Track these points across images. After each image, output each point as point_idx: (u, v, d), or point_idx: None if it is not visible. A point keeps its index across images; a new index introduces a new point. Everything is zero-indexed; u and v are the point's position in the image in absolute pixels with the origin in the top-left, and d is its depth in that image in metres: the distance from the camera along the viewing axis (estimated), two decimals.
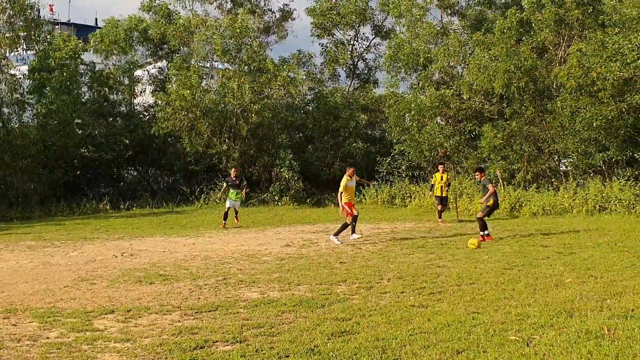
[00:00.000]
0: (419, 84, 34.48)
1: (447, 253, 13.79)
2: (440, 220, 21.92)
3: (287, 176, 31.36)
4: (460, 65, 34.20)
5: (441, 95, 31.04)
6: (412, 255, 13.63)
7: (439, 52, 32.80)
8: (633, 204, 21.80)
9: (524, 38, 28.89)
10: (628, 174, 23.88)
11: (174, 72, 33.28)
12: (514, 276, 10.53)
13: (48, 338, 7.38)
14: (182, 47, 36.32)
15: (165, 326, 7.80)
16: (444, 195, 22.59)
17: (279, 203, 31.12)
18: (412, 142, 31.55)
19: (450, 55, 32.75)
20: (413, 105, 31.69)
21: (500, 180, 26.43)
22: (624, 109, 23.81)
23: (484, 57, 28.72)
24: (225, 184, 22.55)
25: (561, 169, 28.63)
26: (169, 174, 35.69)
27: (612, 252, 13.28)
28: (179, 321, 8.08)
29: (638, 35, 23.34)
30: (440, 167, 23.09)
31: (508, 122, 28.88)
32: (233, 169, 22.97)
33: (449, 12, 36.05)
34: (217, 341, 7.04)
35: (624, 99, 23.81)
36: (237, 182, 22.04)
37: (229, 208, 22.05)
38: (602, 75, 23.65)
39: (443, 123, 32.64)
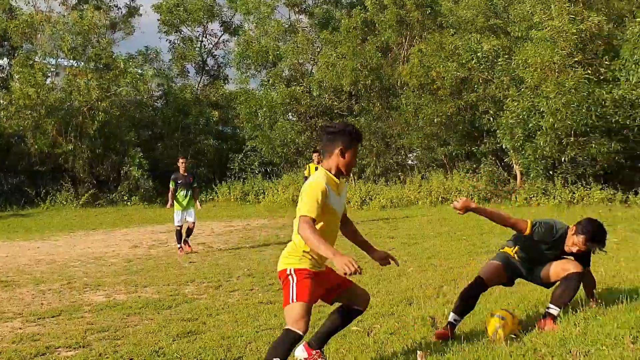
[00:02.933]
0: (269, 80, 34.83)
1: None
2: None
3: (136, 175, 30.82)
4: (310, 62, 34.80)
5: (291, 91, 31.51)
6: (264, 252, 13.82)
7: (288, 49, 33.25)
8: (471, 195, 23.03)
9: (369, 37, 29.80)
10: (467, 167, 25.29)
11: (18, 69, 31.90)
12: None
13: None
14: (25, 44, 34.80)
15: (6, 334, 7.55)
16: None
17: (128, 203, 30.52)
18: (264, 139, 31.85)
19: (299, 52, 33.28)
20: (264, 102, 32.00)
21: (351, 175, 27.15)
22: (461, 106, 25.10)
23: (332, 55, 29.40)
24: (172, 184, 14.87)
25: (407, 163, 29.79)
26: (13, 175, 34.12)
27: (452, 240, 14.02)
28: (20, 328, 7.83)
29: (472, 36, 24.66)
30: (315, 156, 17.88)
31: (357, 118, 29.71)
32: (181, 159, 15.33)
33: (297, 10, 36.55)
34: (59, 347, 6.87)
35: (461, 97, 25.11)
36: (190, 178, 15.09)
37: (179, 226, 14.75)
38: (441, 74, 24.84)
39: (295, 119, 33.13)
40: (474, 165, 25.55)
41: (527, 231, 6.26)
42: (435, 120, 25.18)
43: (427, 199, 23.72)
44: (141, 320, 7.99)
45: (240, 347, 6.46)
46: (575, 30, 20.99)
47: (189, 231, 14.85)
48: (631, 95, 19.66)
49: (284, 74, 34.83)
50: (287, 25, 35.78)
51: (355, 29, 29.84)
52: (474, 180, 23.95)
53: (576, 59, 21.33)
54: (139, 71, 34.29)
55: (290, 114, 33.23)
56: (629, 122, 20.87)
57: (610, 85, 20.84)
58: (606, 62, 21.41)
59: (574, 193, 20.60)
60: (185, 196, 14.73)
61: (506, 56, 23.66)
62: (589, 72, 21.15)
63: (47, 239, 18.64)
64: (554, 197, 20.69)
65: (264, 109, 32.04)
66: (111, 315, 8.33)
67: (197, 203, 15.12)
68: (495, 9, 25.98)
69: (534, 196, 21.34)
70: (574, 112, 20.44)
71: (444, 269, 10.26)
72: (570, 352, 5.14)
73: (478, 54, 24.13)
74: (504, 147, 23.21)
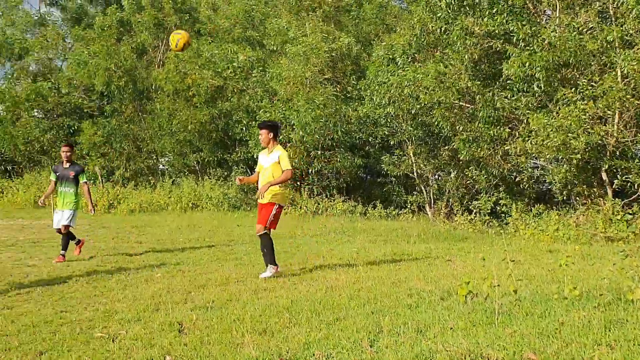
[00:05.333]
0: (13, 74, 32.88)
1: (39, 252, 13.38)
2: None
3: None
4: (60, 58, 33.37)
5: (38, 87, 29.97)
6: (0, 255, 12.99)
7: (36, 43, 31.65)
8: (221, 202, 23.32)
9: (124, 38, 29.18)
10: (218, 174, 25.53)
11: None
12: (107, 273, 10.61)
13: None
14: None
15: None
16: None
17: None
18: (6, 135, 29.95)
19: (48, 47, 31.78)
20: (7, 97, 30.13)
21: (99, 177, 26.39)
22: (215, 115, 25.33)
23: (84, 52, 28.41)
24: (53, 176, 12.50)
25: (159, 167, 29.50)
26: None
27: (201, 247, 14.08)
28: None
29: (229, 46, 25.04)
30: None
31: (108, 119, 28.93)
32: (66, 145, 12.59)
33: (48, 2, 34.97)
34: None
35: (215, 105, 25.34)
36: (72, 171, 12.40)
37: (57, 229, 12.46)
38: (197, 81, 24.92)
39: (40, 116, 31.55)
40: (225, 173, 25.89)
41: None
42: (189, 126, 25.18)
43: (177, 204, 23.58)
44: None
45: None
46: (327, 49, 22.04)
47: (69, 236, 12.47)
48: (374, 114, 21.00)
49: (30, 68, 33.06)
50: (36, 18, 34.01)
51: (110, 27, 29.07)
52: (225, 187, 24.25)
53: (326, 77, 22.41)
54: None
55: (35, 110, 31.56)
56: (371, 139, 22.28)
57: (356, 104, 22.12)
58: (353, 82, 22.69)
59: (319, 204, 21.54)
60: (70, 195, 12.36)
61: (261, 68, 24.29)
62: (338, 89, 22.32)
63: None
64: (301, 207, 21.48)
65: (7, 104, 30.15)
66: None
67: (86, 191, 12.49)
68: (253, 21, 26.60)
69: None
70: (322, 126, 21.42)
71: (192, 275, 10.25)
72: (314, 355, 5.38)
73: (234, 64, 24.54)
74: (254, 156, 23.73)
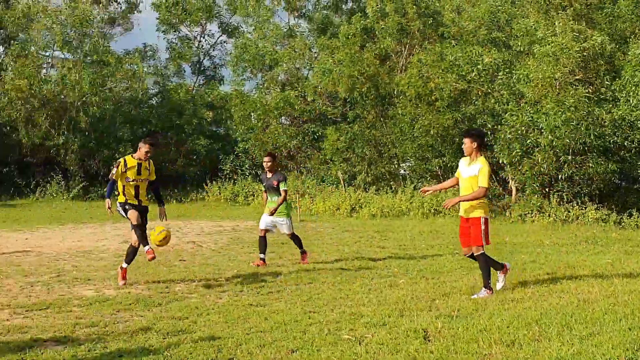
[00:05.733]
0: (264, 84, 34.82)
1: (287, 252, 13.94)
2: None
3: None
4: (306, 67, 34.79)
5: (286, 96, 31.45)
6: (252, 254, 13.66)
7: (285, 53, 33.24)
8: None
9: (367, 44, 29.73)
10: None
11: (10, 60, 31.74)
12: (351, 276, 10.81)
13: None
14: (20, 34, 34.57)
15: None
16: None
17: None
18: (257, 141, 31.73)
19: (295, 57, 33.26)
20: (258, 105, 31.95)
21: (342, 182, 27.12)
22: (459, 119, 24.98)
23: (329, 61, 29.35)
24: (262, 187, 13.25)
25: (400, 172, 29.68)
26: (3, 165, 33.87)
27: (444, 254, 13.92)
28: (7, 320, 7.69)
29: (473, 48, 24.58)
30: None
31: (351, 125, 29.63)
32: (267, 155, 12.97)
33: (296, 14, 36.57)
34: (47, 340, 6.77)
35: (458, 109, 24.99)
36: (275, 180, 12.41)
37: (265, 231, 12.51)
38: (440, 85, 24.73)
39: (288, 123, 33.08)
40: None
41: None
42: (431, 131, 25.07)
43: (418, 210, 23.47)
44: (131, 317, 7.89)
45: (231, 348, 6.37)
46: (578, 48, 20.99)
47: (299, 242, 12.77)
48: (630, 117, 19.68)
49: (279, 78, 34.82)
50: (285, 30, 35.76)
51: (354, 35, 29.76)
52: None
53: (577, 77, 21.33)
54: (135, 67, 34.23)
55: (283, 117, 33.17)
56: (627, 144, 20.88)
57: (610, 105, 20.86)
58: (607, 82, 21.41)
59: (569, 212, 20.44)
60: (271, 201, 12.52)
61: (507, 70, 23.60)
62: (590, 91, 21.15)
63: (35, 230, 18.41)
64: (549, 214, 20.51)
65: (258, 112, 31.97)
66: (100, 310, 8.22)
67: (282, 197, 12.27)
68: (498, 22, 26.00)
69: (528, 213, 21.13)
70: (572, 130, 20.40)
71: (436, 283, 10.16)
72: None
73: (478, 67, 24.04)
74: (500, 161, 23.07)
